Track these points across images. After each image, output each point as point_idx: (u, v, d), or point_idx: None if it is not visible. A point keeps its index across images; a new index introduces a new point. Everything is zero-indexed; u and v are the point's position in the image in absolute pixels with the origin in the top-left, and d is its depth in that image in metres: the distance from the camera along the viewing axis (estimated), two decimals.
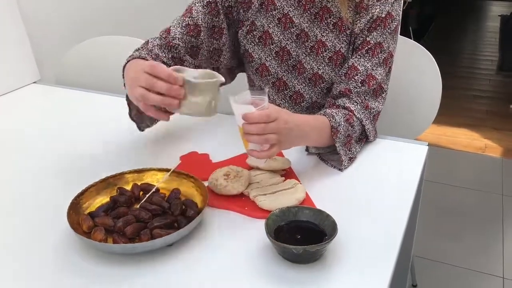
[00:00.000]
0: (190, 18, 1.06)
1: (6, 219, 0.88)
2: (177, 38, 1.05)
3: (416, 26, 4.43)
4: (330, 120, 0.96)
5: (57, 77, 1.61)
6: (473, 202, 2.26)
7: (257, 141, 0.82)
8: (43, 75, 1.60)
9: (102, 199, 0.87)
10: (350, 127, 0.99)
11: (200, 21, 1.06)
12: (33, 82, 1.57)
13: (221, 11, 1.08)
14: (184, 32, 1.06)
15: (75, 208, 0.82)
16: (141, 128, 1.08)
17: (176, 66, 0.85)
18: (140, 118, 1.06)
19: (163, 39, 1.06)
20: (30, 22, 1.55)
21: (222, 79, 0.84)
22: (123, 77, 0.95)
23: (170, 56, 1.05)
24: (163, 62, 1.02)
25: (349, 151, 1.00)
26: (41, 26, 1.64)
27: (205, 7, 1.06)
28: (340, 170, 0.98)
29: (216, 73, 0.86)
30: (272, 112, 0.81)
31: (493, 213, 2.17)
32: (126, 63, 0.96)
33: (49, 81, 1.61)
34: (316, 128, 0.95)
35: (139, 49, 1.05)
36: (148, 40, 1.07)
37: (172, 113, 0.87)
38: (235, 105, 0.82)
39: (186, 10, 1.08)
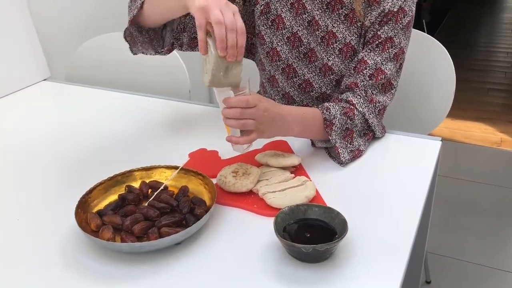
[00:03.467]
0: None
1: (14, 217, 0.88)
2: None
3: (430, 19, 4.37)
4: (323, 112, 0.96)
5: (67, 75, 1.61)
6: (488, 197, 2.23)
7: (234, 125, 0.84)
8: (53, 73, 1.60)
9: (110, 197, 0.87)
10: (348, 120, 0.98)
11: None
12: (43, 80, 1.57)
13: None
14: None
15: (83, 206, 0.82)
16: (133, 51, 1.08)
17: None
18: (133, 40, 1.05)
19: None
20: (39, 19, 1.55)
21: None
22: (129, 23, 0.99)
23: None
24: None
25: (350, 144, 0.99)
26: (50, 24, 1.64)
27: None
28: (341, 163, 0.97)
29: None
30: (251, 98, 0.83)
31: (509, 209, 2.13)
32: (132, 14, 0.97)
33: (59, 78, 1.61)
34: (302, 120, 0.95)
35: None
36: None
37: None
38: (216, 90, 0.85)
39: None
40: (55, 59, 1.63)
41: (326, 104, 0.99)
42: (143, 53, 1.08)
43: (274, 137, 0.96)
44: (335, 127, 0.96)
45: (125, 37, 1.06)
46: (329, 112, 0.96)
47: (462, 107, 3.07)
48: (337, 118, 0.96)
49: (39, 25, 1.55)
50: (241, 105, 0.82)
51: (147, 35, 1.05)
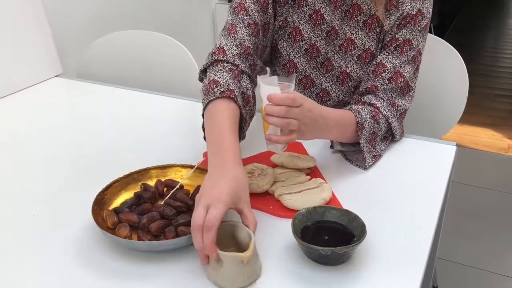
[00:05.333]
0: (248, 17, 0.99)
1: (30, 213, 0.88)
2: (246, 40, 0.97)
3: (437, 23, 4.36)
4: (356, 115, 0.94)
5: (79, 71, 1.61)
6: (495, 203, 2.22)
7: (277, 123, 0.80)
8: (65, 69, 1.60)
9: (126, 195, 0.87)
10: (376, 124, 0.97)
11: (257, 19, 1.00)
12: (56, 76, 1.57)
13: (270, 5, 1.03)
14: (250, 33, 0.98)
15: (99, 203, 0.82)
16: None
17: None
18: None
19: (239, 46, 0.96)
20: (52, 15, 1.56)
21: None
22: (203, 117, 0.89)
23: (248, 64, 0.98)
24: (242, 72, 0.96)
25: (374, 148, 0.98)
26: (63, 20, 1.64)
27: (255, 4, 1.00)
28: (364, 168, 0.96)
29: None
30: (297, 97, 0.80)
31: None
32: (207, 102, 0.87)
33: (71, 75, 1.61)
34: (340, 123, 0.93)
35: (214, 62, 0.94)
36: (223, 48, 0.96)
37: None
38: (262, 85, 0.81)
39: (237, 6, 1.00)
40: (67, 55, 1.63)
41: (355, 106, 0.98)
42: None
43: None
44: (364, 130, 0.95)
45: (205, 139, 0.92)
46: (361, 116, 0.95)
47: (469, 112, 3.05)
48: (367, 121, 0.95)
49: (52, 22, 1.55)
50: (287, 103, 0.79)
51: None
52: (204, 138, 0.93)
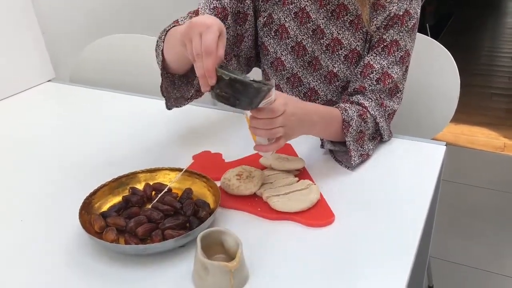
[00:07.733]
0: (218, 1, 1.02)
1: (18, 218, 0.88)
2: None
3: (433, 23, 4.37)
4: (342, 113, 0.95)
5: (72, 76, 1.62)
6: (491, 202, 2.22)
7: (264, 135, 0.82)
8: (58, 74, 1.61)
9: (114, 199, 0.87)
10: (363, 123, 0.97)
11: (227, 5, 1.03)
12: (48, 81, 1.57)
13: None
14: (213, 14, 1.01)
15: (87, 207, 0.82)
16: (167, 106, 1.05)
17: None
18: (168, 95, 1.02)
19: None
20: (44, 20, 1.56)
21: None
22: (157, 47, 0.95)
23: None
24: None
25: (361, 147, 0.98)
26: (56, 24, 1.64)
27: None
28: (351, 167, 0.96)
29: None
30: (278, 106, 0.80)
31: None
32: (164, 35, 0.93)
33: (64, 79, 1.62)
34: (325, 119, 0.93)
35: (170, 26, 0.98)
36: (178, 20, 1.01)
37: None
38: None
39: None
40: (60, 60, 1.64)
41: (343, 105, 0.98)
42: (177, 107, 1.06)
43: None
44: (351, 129, 0.95)
45: (162, 93, 1.02)
46: (347, 113, 0.95)
47: (466, 111, 3.06)
48: (354, 120, 0.95)
49: (44, 26, 1.55)
50: (269, 116, 0.80)
51: (179, 90, 1.02)
52: (162, 93, 1.01)
